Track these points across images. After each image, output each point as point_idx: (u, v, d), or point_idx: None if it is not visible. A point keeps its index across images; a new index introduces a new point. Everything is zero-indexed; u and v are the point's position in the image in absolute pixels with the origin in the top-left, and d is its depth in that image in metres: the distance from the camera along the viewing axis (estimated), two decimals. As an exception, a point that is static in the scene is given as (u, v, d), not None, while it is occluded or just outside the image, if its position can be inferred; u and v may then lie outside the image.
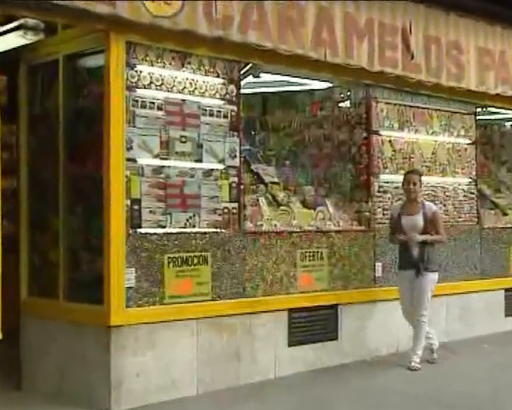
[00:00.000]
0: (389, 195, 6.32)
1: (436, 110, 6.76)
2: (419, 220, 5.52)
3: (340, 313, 5.85)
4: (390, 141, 6.40)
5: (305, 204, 6.01)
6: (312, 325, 5.65)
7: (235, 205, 5.23)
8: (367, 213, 6.14)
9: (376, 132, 6.29)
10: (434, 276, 5.54)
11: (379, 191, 6.25)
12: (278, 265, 5.49)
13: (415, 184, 5.57)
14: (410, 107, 6.56)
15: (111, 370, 4.51)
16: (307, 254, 5.67)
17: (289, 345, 5.51)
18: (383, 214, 6.24)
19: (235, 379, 5.14)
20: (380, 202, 6.27)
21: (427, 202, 5.69)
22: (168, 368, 4.80)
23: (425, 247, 5.46)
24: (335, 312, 5.74)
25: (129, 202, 4.68)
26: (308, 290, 5.63)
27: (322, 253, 5.76)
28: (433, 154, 6.76)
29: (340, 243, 5.89)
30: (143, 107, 4.76)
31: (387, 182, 6.31)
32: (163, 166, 4.87)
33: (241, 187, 5.33)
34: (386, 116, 6.37)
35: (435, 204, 6.20)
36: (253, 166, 6.00)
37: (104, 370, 4.54)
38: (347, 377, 5.39)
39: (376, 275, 6.12)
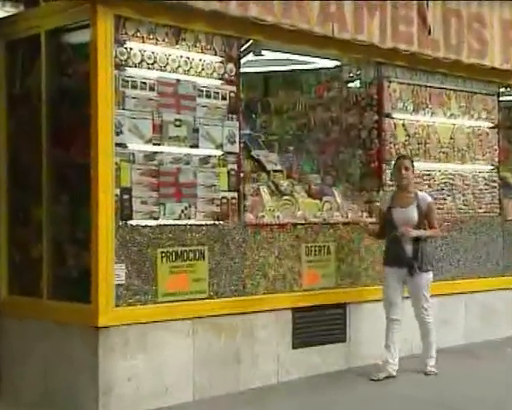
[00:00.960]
0: (401, 184, 6.41)
1: (455, 91, 6.78)
2: (413, 213, 5.38)
3: (349, 313, 5.87)
4: (403, 124, 6.43)
5: (310, 194, 6.05)
6: (318, 326, 5.69)
7: (235, 195, 5.26)
8: (378, 204, 6.15)
9: (389, 115, 6.31)
10: (429, 276, 5.48)
11: (391, 179, 6.24)
12: (281, 260, 5.52)
13: (407, 168, 5.45)
14: (426, 87, 6.58)
15: (99, 374, 4.53)
16: (313, 248, 5.71)
17: (293, 347, 5.56)
18: (395, 205, 6.31)
19: (235, 384, 5.18)
20: (392, 191, 6.20)
21: (420, 192, 5.57)
22: (161, 372, 4.83)
23: (419, 243, 5.33)
24: (343, 311, 5.76)
25: (118, 192, 4.70)
26: (314, 288, 5.66)
27: (329, 247, 5.79)
28: (451, 139, 6.80)
29: (348, 236, 5.91)
30: (134, 87, 4.77)
31: (400, 170, 6.39)
32: (156, 153, 4.89)
33: (241, 175, 5.34)
34: (400, 97, 6.40)
35: (452, 193, 6.23)
36: (253, 153, 6.03)
37: (92, 374, 4.56)
38: (356, 382, 5.41)
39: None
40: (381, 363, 5.48)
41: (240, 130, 5.30)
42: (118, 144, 4.71)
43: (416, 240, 5.35)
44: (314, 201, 5.94)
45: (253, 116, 6.61)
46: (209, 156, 5.16)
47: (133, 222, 4.76)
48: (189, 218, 5.03)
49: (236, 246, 5.26)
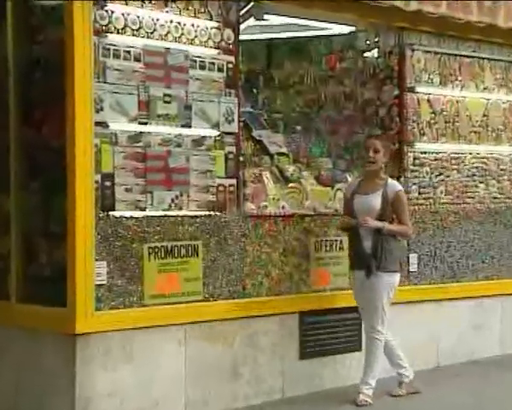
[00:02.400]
0: (427, 168, 6.39)
1: (489, 60, 6.78)
2: (375, 201, 5.18)
3: None
4: (429, 100, 6.42)
5: (320, 180, 6.06)
6: (330, 333, 5.70)
7: (233, 182, 5.28)
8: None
9: (411, 89, 6.32)
10: (392, 278, 5.18)
11: (414, 164, 6.30)
12: (287, 257, 5.54)
13: (376, 151, 5.23)
14: (456, 56, 6.58)
15: (76, 389, 4.56)
16: (323, 243, 5.72)
17: (301, 358, 5.58)
18: (419, 193, 6.31)
19: (233, 400, 5.20)
20: (415, 177, 6.30)
21: (391, 180, 5.36)
22: (149, 386, 4.85)
23: (380, 238, 5.11)
24: (359, 316, 5.68)
25: (99, 178, 4.70)
26: (324, 289, 5.67)
27: (342, 241, 5.77)
28: (484, 116, 6.81)
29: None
30: (116, 57, 4.77)
31: (425, 152, 6.39)
32: (142, 133, 4.90)
33: (240, 159, 5.36)
34: (424, 68, 6.40)
35: (485, 180, 6.18)
36: (255, 133, 6.02)
37: (68, 389, 4.58)
38: (376, 398, 5.30)
39: (410, 269, 6.21)
40: (402, 379, 5.41)
41: (239, 107, 5.31)
42: (98, 123, 4.70)
43: (378, 234, 5.12)
44: (325, 189, 5.95)
45: (255, 91, 6.55)
46: (203, 137, 5.16)
47: (116, 213, 4.77)
48: (181, 208, 5.04)
49: (235, 241, 5.27)
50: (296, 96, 6.73)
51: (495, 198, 6.82)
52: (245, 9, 5.36)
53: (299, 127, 6.43)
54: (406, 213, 5.31)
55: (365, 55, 6.53)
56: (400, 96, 6.26)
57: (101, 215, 4.71)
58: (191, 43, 5.09)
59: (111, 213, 4.76)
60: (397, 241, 5.31)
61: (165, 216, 4.96)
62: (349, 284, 5.64)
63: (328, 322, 5.68)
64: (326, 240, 5.73)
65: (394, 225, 5.23)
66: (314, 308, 5.56)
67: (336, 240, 5.77)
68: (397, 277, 5.24)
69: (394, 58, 6.27)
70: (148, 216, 4.89)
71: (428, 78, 6.42)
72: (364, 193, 5.25)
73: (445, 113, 6.55)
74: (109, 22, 4.75)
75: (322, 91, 6.66)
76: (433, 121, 6.45)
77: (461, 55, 6.61)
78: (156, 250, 4.92)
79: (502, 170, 6.89)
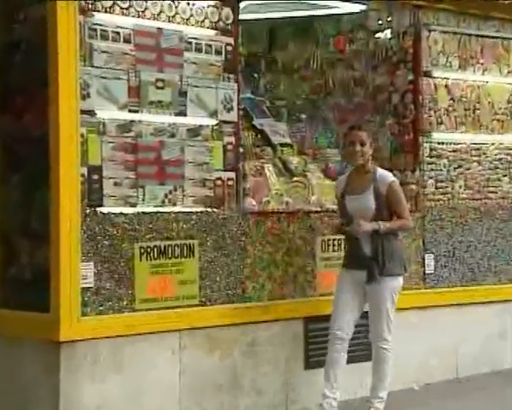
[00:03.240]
0: (445, 160, 6.39)
1: (515, 41, 6.75)
2: (368, 201, 5.08)
3: None
4: (447, 85, 6.42)
5: (327, 174, 6.05)
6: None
7: (232, 175, 5.29)
8: (413, 187, 6.16)
9: (428, 74, 6.32)
10: (396, 282, 5.11)
11: (430, 156, 6.29)
12: (291, 257, 5.54)
13: (363, 143, 5.11)
14: (477, 37, 6.55)
15: (60, 400, 4.56)
16: (331, 242, 5.72)
17: (306, 367, 5.58)
18: (436, 188, 6.30)
19: (232, 414, 5.24)
20: (431, 170, 6.29)
21: (381, 171, 5.21)
22: (140, 398, 4.86)
23: (380, 239, 5.01)
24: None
25: (85, 171, 4.71)
26: (332, 292, 5.56)
27: None
28: (508, 103, 6.79)
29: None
30: (104, 38, 4.77)
31: (442, 143, 6.38)
32: (132, 122, 4.90)
33: (240, 150, 5.37)
34: (442, 51, 6.38)
35: (509, 173, 6.15)
36: (256, 122, 6.03)
37: (51, 400, 4.59)
38: None
39: (427, 271, 6.22)
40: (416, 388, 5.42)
41: (238, 93, 5.32)
42: (84, 111, 4.70)
43: (377, 235, 5.02)
44: (332, 183, 5.91)
45: (256, 76, 6.57)
46: (200, 127, 5.17)
47: (104, 209, 4.78)
48: (175, 204, 5.05)
49: (234, 240, 5.28)
50: (301, 81, 6.73)
51: (520, 193, 6.82)
52: (245, -14, 5.40)
53: (304, 116, 6.43)
54: (403, 203, 5.20)
55: (377, 36, 6.51)
56: (415, 81, 6.26)
57: (87, 212, 4.71)
58: (186, 24, 5.09)
59: (98, 209, 4.76)
60: (398, 240, 5.25)
61: (158, 213, 4.97)
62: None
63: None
64: (334, 239, 5.72)
65: (391, 221, 5.11)
66: (321, 314, 5.54)
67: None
68: (401, 280, 5.19)
69: (409, 39, 6.27)
70: (139, 213, 4.90)
71: (447, 61, 6.42)
72: (355, 192, 5.15)
73: (464, 99, 6.53)
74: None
75: (329, 76, 6.66)
76: (451, 109, 6.44)
77: (483, 36, 6.59)
78: (148, 250, 4.93)
79: (529, 163, 6.88)
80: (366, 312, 5.27)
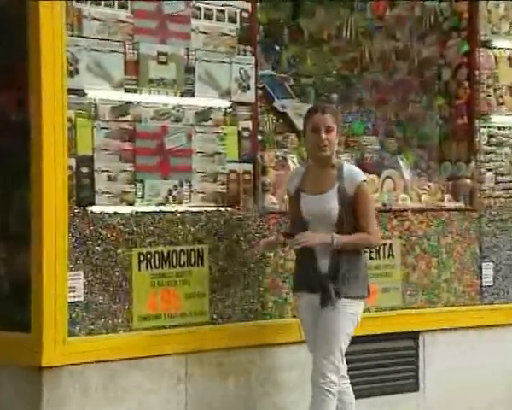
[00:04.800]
0: (506, 149, 6.37)
1: None
2: (330, 203, 4.79)
3: (423, 347, 5.91)
4: (510, 58, 6.40)
5: (363, 166, 5.95)
6: (377, 367, 5.71)
7: (249, 167, 5.30)
8: (468, 181, 6.13)
9: (486, 44, 6.30)
10: (356, 307, 4.84)
11: (489, 144, 6.24)
12: None
13: (329, 130, 4.80)
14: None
15: (43, 438, 4.59)
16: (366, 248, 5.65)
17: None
18: (496, 182, 6.28)
19: (248, 453, 5.26)
20: (490, 161, 6.26)
21: (348, 166, 4.99)
22: (139, 435, 4.90)
23: (341, 254, 4.78)
24: (415, 344, 5.70)
25: (74, 163, 4.71)
26: (368, 308, 5.59)
27: (391, 246, 5.80)
28: None
29: (421, 229, 5.92)
30: (96, 3, 4.78)
31: (504, 128, 6.36)
32: (130, 103, 4.91)
33: (259, 138, 5.40)
34: (505, 16, 6.34)
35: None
36: (277, 104, 6.01)
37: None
38: None
39: (484, 284, 6.20)
40: None
41: (257, 69, 5.34)
42: (72, 90, 4.69)
43: (335, 253, 4.78)
44: (369, 176, 5.84)
45: (277, 48, 6.51)
46: (210, 109, 5.17)
47: (96, 208, 4.78)
48: (181, 202, 5.05)
49: (251, 244, 5.25)
50: (332, 54, 6.66)
51: None
52: None
53: (335, 96, 6.39)
54: (370, 213, 4.88)
55: (424, -2, 6.63)
56: (471, 53, 6.25)
57: (76, 211, 4.70)
58: (194, -15, 5.10)
59: (89, 208, 4.76)
60: (361, 255, 4.97)
61: (161, 212, 4.97)
62: (424, 302, 5.80)
63: (373, 352, 5.68)
64: None
65: (349, 235, 4.80)
66: (355, 334, 5.42)
67: (384, 244, 5.74)
68: (363, 304, 4.91)
69: (463, 2, 6.25)
70: (137, 212, 4.90)
71: (510, 28, 6.39)
72: (314, 191, 4.85)
73: (531, 75, 6.57)
74: (86, -43, 4.75)
75: (366, 48, 6.61)
76: (515, 87, 6.50)
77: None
78: (148, 257, 4.93)
79: None
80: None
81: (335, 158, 4.94)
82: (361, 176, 4.89)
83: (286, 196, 5.23)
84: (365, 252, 5.13)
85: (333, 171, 4.85)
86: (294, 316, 5.33)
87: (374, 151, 6.13)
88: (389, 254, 5.77)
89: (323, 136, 4.78)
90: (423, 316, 5.86)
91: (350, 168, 4.95)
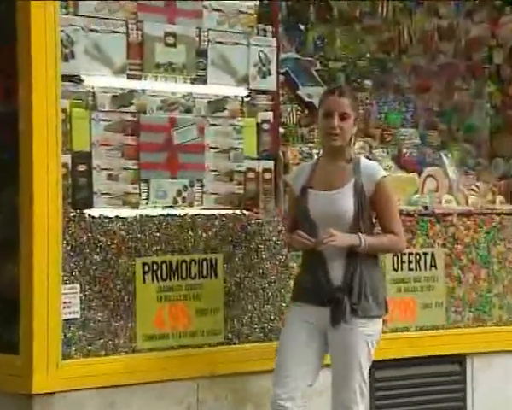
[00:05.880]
0: None
1: None
2: (345, 201, 4.69)
3: (471, 372, 5.90)
4: None
5: (401, 162, 6.09)
6: (416, 394, 5.70)
7: (269, 165, 5.30)
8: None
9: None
10: (374, 327, 4.74)
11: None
12: None
13: (344, 116, 4.70)
14: None
15: None
16: (405, 257, 5.72)
17: (370, 429, 5.59)
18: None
19: None
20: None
21: (365, 161, 4.91)
22: None
23: (357, 262, 4.66)
24: (461, 369, 5.72)
25: (69, 160, 4.71)
26: (407, 327, 5.64)
27: (433, 256, 5.77)
28: None
29: (469, 236, 5.91)
30: (94, -26, 4.81)
31: None
32: (133, 92, 4.93)
33: (281, 131, 5.46)
34: None
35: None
36: (302, 91, 6.00)
37: None
38: None
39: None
40: None
41: (278, 52, 5.36)
42: (66, 77, 4.69)
43: (353, 255, 4.67)
44: (407, 175, 5.95)
45: (302, 28, 6.52)
46: (225, 99, 5.18)
47: (94, 212, 4.78)
48: (191, 204, 5.06)
49: (272, 253, 5.24)
50: (365, 34, 6.67)
51: None
52: None
53: (369, 82, 6.43)
54: (394, 212, 4.81)
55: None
56: None
57: (71, 215, 4.70)
58: (206, -45, 5.14)
59: (87, 211, 4.76)
60: (378, 266, 4.90)
61: (168, 216, 4.97)
62: (472, 321, 5.79)
63: (414, 378, 5.68)
64: (410, 253, 5.70)
65: (375, 236, 4.77)
66: (392, 357, 5.54)
67: (426, 253, 5.74)
68: (381, 323, 4.82)
69: None
70: (142, 217, 4.90)
71: None
72: (324, 187, 4.74)
73: None
74: None
75: (404, 27, 6.59)
76: None
77: None
78: (155, 268, 4.93)
79: None
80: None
81: (351, 151, 4.81)
82: (381, 171, 4.81)
83: (288, 198, 5.05)
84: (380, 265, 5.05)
85: (347, 165, 4.75)
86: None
87: (413, 146, 6.18)
88: (431, 265, 5.77)
89: (336, 122, 4.66)
90: (471, 337, 5.88)
91: (368, 163, 4.86)
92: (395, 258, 5.64)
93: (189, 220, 4.99)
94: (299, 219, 4.78)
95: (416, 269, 5.70)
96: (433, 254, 5.75)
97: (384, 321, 5.47)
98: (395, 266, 5.66)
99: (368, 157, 5.29)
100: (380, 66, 6.57)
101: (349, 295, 4.60)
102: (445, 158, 6.10)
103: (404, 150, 6.07)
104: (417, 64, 6.56)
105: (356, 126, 4.79)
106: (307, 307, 4.73)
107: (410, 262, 5.67)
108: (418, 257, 5.67)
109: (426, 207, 5.81)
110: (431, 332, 5.73)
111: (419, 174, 5.99)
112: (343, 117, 4.66)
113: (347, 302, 4.59)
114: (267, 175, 5.25)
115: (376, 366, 5.36)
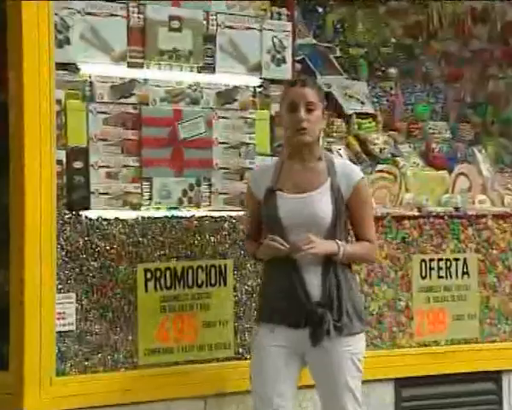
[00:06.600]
0: None
1: None
2: (323, 204, 4.60)
3: (508, 390, 5.93)
4: None
5: (430, 159, 6.07)
6: None
7: None
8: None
9: None
10: (359, 343, 4.66)
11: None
12: (372, 285, 5.59)
13: (310, 108, 4.62)
14: None
15: None
16: (435, 263, 5.73)
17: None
18: None
19: None
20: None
21: (340, 160, 4.95)
22: None
23: (336, 272, 4.57)
24: (497, 387, 5.73)
25: (63, 156, 4.72)
26: (437, 341, 5.68)
27: (466, 262, 5.78)
28: None
29: (505, 240, 5.93)
30: (91, -48, 4.81)
31: None
32: (133, 82, 4.93)
33: None
34: None
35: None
36: (320, 81, 5.94)
37: None
38: None
39: None
40: None
41: (294, 37, 5.38)
42: (61, 65, 4.70)
43: (328, 265, 4.57)
44: (437, 173, 5.97)
45: (321, 10, 6.50)
46: (235, 89, 5.19)
47: (92, 213, 4.79)
48: (198, 206, 5.07)
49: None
50: (390, 17, 6.65)
51: None
52: None
53: (393, 70, 6.40)
54: (371, 217, 4.77)
55: None
56: None
57: (67, 217, 4.72)
58: None
59: (83, 213, 4.77)
60: (355, 275, 4.85)
61: (173, 219, 4.99)
62: (471, 334, 5.72)
63: (445, 397, 5.68)
64: (439, 259, 5.73)
65: (353, 244, 4.69)
66: (420, 374, 5.54)
67: (457, 259, 5.75)
68: (364, 339, 4.70)
69: None
70: (144, 218, 4.92)
71: None
72: (296, 190, 4.64)
73: None
74: None
75: (434, 9, 6.60)
76: None
77: None
78: (158, 275, 4.94)
79: None
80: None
81: (320, 147, 4.73)
82: (359, 172, 4.72)
83: (247, 202, 4.92)
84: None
85: (319, 164, 4.66)
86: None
87: (443, 141, 6.15)
88: (463, 273, 5.79)
89: (303, 115, 4.58)
90: (507, 352, 5.89)
91: (343, 163, 4.83)
92: (423, 264, 5.65)
93: (196, 223, 5.00)
94: (268, 225, 4.67)
95: (447, 277, 5.72)
96: (465, 261, 5.78)
97: (411, 335, 5.63)
98: (423, 274, 5.68)
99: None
100: (406, 52, 6.55)
101: (330, 310, 4.50)
102: (478, 154, 6.12)
103: (433, 145, 6.06)
104: (448, 50, 6.55)
105: (324, 120, 4.71)
106: (282, 330, 4.58)
107: (439, 269, 5.69)
108: (449, 263, 5.70)
109: (457, 209, 5.82)
110: (463, 347, 5.75)
111: (449, 172, 6.00)
112: (309, 108, 4.56)
113: (330, 319, 4.49)
114: (283, 174, 5.30)
115: (403, 383, 5.56)
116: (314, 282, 4.53)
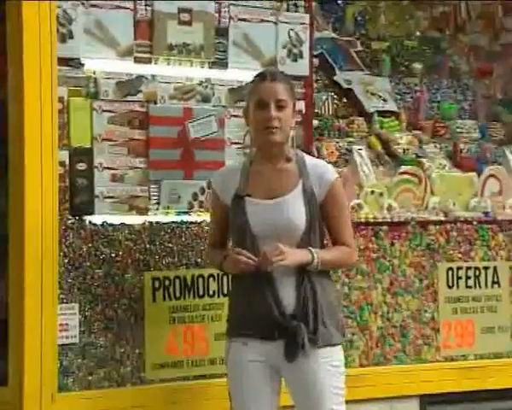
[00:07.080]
0: None
1: None
2: (295, 209, 4.54)
3: None
4: None
5: (457, 160, 6.06)
6: None
7: None
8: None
9: None
10: (338, 354, 4.58)
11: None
12: (396, 295, 5.59)
13: (280, 105, 4.52)
14: None
15: None
16: (463, 271, 5.75)
17: None
18: None
19: None
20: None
21: (311, 159, 4.73)
22: None
23: (310, 280, 4.50)
24: None
25: (66, 158, 4.74)
26: (466, 355, 5.68)
27: (496, 270, 5.80)
28: None
29: None
30: None
31: None
32: (141, 78, 4.96)
33: (314, 123, 5.49)
34: None
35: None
36: (340, 77, 6.01)
37: None
38: None
39: None
40: None
41: (312, 31, 5.38)
42: (64, 60, 4.72)
43: (302, 273, 4.49)
44: (465, 175, 5.98)
45: (340, 2, 6.54)
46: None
47: (96, 218, 4.81)
48: (209, 210, 4.96)
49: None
50: (414, 9, 6.69)
51: None
52: None
53: (418, 66, 6.41)
54: (347, 219, 4.69)
55: None
56: None
57: (69, 223, 4.74)
58: None
59: (87, 218, 4.79)
60: (333, 284, 4.77)
61: (183, 224, 5.01)
62: (502, 348, 5.74)
63: None
64: (468, 267, 5.75)
65: (328, 249, 4.61)
66: (446, 390, 5.57)
67: (487, 267, 5.76)
68: (341, 350, 4.63)
69: None
70: (152, 224, 4.94)
71: None
72: (266, 195, 4.55)
73: None
74: None
75: (461, 0, 6.61)
76: None
77: None
78: (166, 284, 4.95)
79: None
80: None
81: (291, 147, 4.64)
82: (333, 172, 4.64)
83: (211, 209, 4.79)
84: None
85: (290, 165, 4.59)
86: (362, 365, 5.36)
87: (472, 141, 6.17)
88: (493, 282, 5.80)
89: (272, 112, 4.50)
90: None
91: (315, 162, 4.69)
92: (450, 273, 5.67)
93: (207, 228, 4.95)
94: (236, 233, 4.60)
95: (476, 286, 5.73)
96: (495, 269, 5.79)
97: (437, 348, 5.64)
98: (450, 283, 5.69)
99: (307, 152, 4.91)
100: (432, 46, 6.58)
101: (305, 322, 4.44)
102: (509, 155, 6.11)
103: (461, 146, 6.07)
104: (477, 44, 6.58)
105: (295, 118, 4.63)
106: (255, 343, 4.54)
107: (467, 278, 5.72)
108: (478, 272, 5.72)
109: (486, 214, 5.84)
110: (493, 362, 5.77)
111: (478, 174, 5.99)
112: (280, 106, 4.48)
113: (305, 332, 4.43)
114: (297, 175, 5.30)
115: (428, 401, 5.56)
116: (289, 293, 4.47)
